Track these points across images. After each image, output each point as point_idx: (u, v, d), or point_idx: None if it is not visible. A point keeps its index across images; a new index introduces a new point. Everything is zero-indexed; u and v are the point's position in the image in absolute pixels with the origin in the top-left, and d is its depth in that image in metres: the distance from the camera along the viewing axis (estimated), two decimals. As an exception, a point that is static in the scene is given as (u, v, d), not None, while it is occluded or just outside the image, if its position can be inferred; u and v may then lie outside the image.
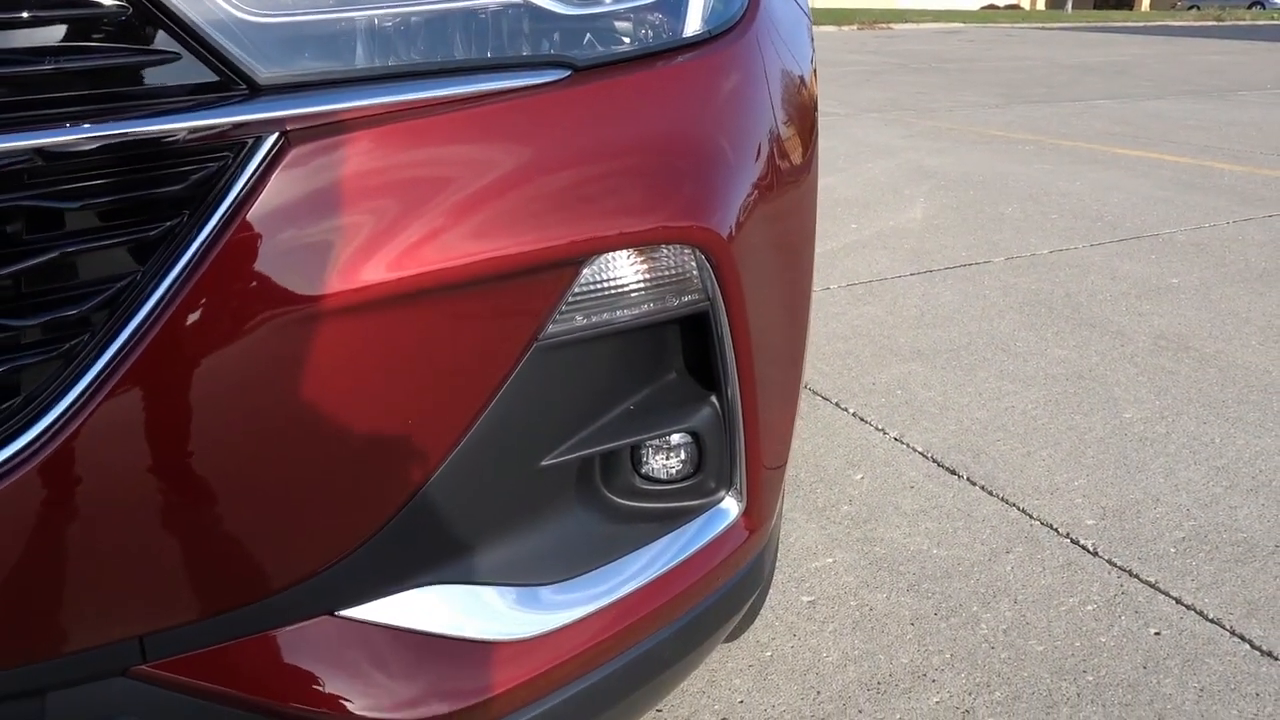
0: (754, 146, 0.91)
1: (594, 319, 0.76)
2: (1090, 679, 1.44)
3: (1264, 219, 4.11)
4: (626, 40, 0.78)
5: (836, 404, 2.37)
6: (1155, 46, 15.63)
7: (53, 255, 0.59)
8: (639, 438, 0.83)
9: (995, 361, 2.61)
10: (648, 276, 0.79)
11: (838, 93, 8.68)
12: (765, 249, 0.90)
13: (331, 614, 0.72)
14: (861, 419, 2.29)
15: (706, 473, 0.89)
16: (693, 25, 0.82)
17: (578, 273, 0.74)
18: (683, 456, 0.88)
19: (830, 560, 1.74)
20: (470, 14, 0.70)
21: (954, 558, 1.74)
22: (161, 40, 0.60)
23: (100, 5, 0.59)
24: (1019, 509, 1.89)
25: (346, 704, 0.72)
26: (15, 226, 0.59)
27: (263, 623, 0.70)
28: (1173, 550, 1.76)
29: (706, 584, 0.89)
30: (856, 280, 3.32)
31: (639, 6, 0.78)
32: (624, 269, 0.77)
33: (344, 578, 0.72)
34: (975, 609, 1.60)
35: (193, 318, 0.62)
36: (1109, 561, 1.72)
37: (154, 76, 0.61)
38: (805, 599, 1.63)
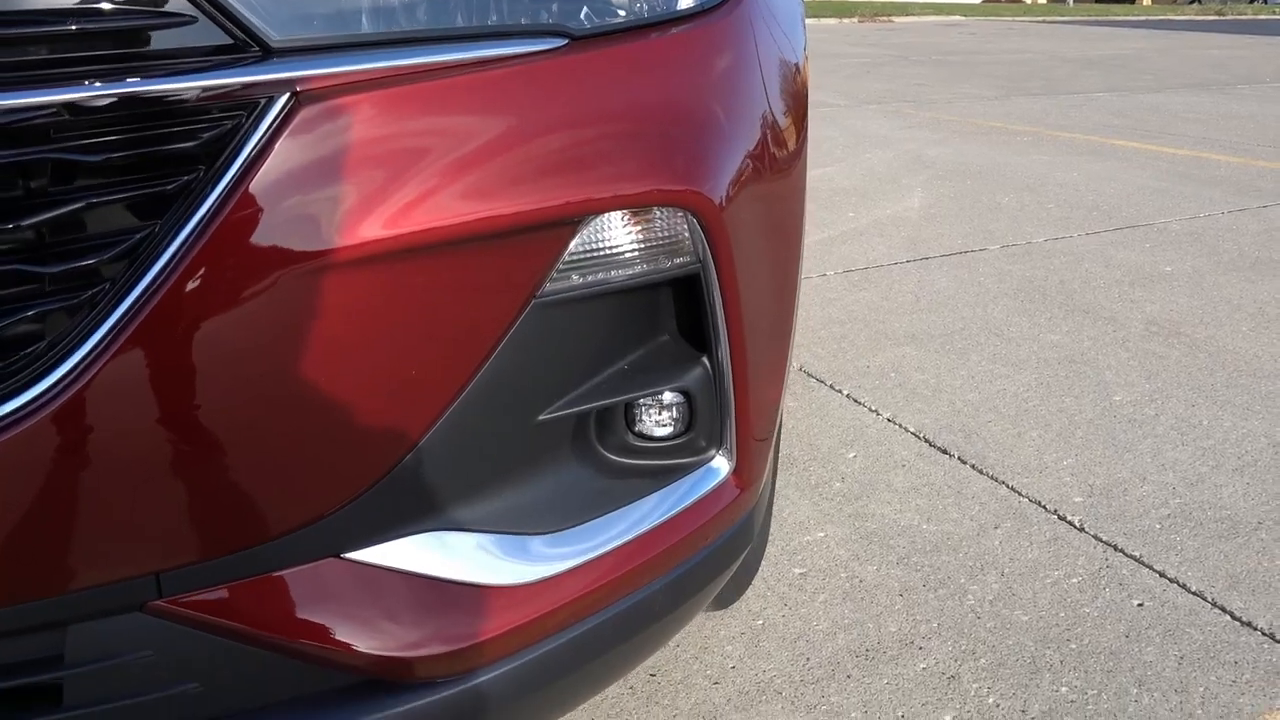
0: (745, 118, 0.94)
1: (590, 278, 0.80)
2: (1074, 647, 1.48)
3: (1258, 209, 4.14)
4: (622, 12, 0.81)
5: (831, 386, 2.40)
6: (1156, 41, 15.63)
7: (76, 206, 0.62)
8: (632, 395, 0.87)
9: (988, 346, 2.65)
10: (641, 239, 0.82)
11: (837, 84, 8.70)
12: (755, 217, 0.94)
13: (338, 556, 0.76)
14: (855, 400, 2.32)
15: (697, 431, 0.92)
16: (686, -1, 0.85)
17: (574, 233, 0.77)
18: (675, 415, 0.92)
19: (822, 534, 1.78)
20: (472, -17, 0.73)
21: (943, 533, 1.78)
22: (179, 4, 0.63)
23: (121, -30, 0.62)
24: (1008, 486, 1.93)
25: (350, 641, 0.75)
26: (41, 179, 0.62)
27: (273, 562, 0.73)
28: (1158, 526, 1.79)
29: (697, 539, 0.93)
30: (853, 267, 3.35)
31: (634, -21, 0.81)
32: (619, 231, 0.81)
33: (350, 522, 0.75)
34: (963, 581, 1.64)
35: (207, 268, 0.65)
36: (1095, 537, 1.76)
37: (172, 39, 0.64)
38: (797, 571, 1.67)
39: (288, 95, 0.66)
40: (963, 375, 2.46)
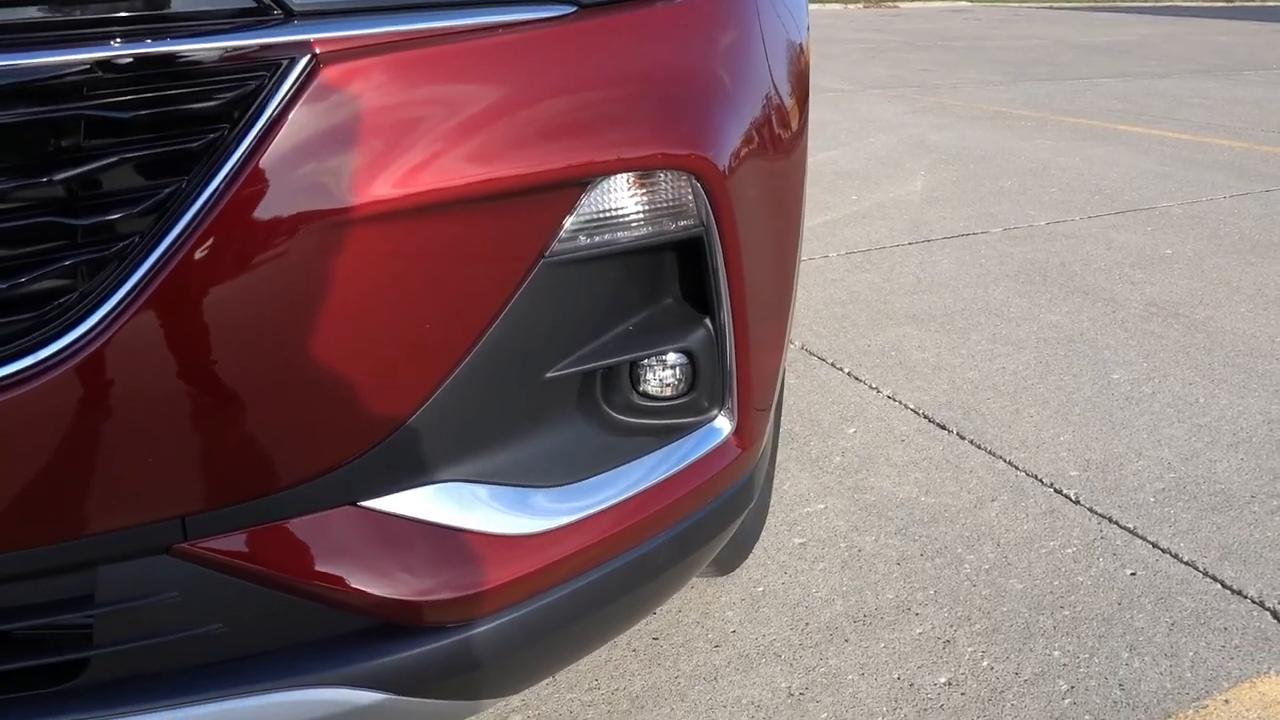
0: (748, 88, 0.97)
1: (596, 239, 0.82)
2: (1067, 614, 1.51)
3: (1260, 193, 4.15)
4: (629, -19, 0.84)
5: (832, 364, 2.43)
6: (1163, 27, 15.55)
7: (107, 162, 0.65)
8: (637, 354, 0.90)
9: (988, 326, 2.68)
10: (647, 202, 0.85)
11: (842, 69, 8.69)
12: (757, 186, 0.97)
13: (353, 504, 0.79)
14: (856, 378, 2.35)
15: (700, 392, 0.95)
16: (691, -31, 0.88)
17: (582, 195, 0.80)
18: (678, 376, 0.95)
19: (822, 506, 1.81)
20: (484, -48, 0.75)
21: (941, 505, 1.81)
22: (204, -32, 0.66)
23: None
24: (1006, 461, 1.96)
25: (363, 585, 0.79)
26: (73, 135, 0.65)
27: (291, 509, 0.77)
28: (1152, 500, 1.82)
29: (700, 495, 0.96)
30: (855, 249, 3.37)
31: (641, -51, 0.84)
32: (625, 194, 0.83)
33: (366, 471, 0.78)
34: (959, 551, 1.67)
35: (231, 223, 0.68)
36: (1090, 509, 1.79)
37: (199, 1, 0.67)
38: (797, 541, 1.71)
39: (308, 57, 0.69)
40: (963, 354, 2.49)
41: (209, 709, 0.77)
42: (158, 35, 0.65)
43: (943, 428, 2.10)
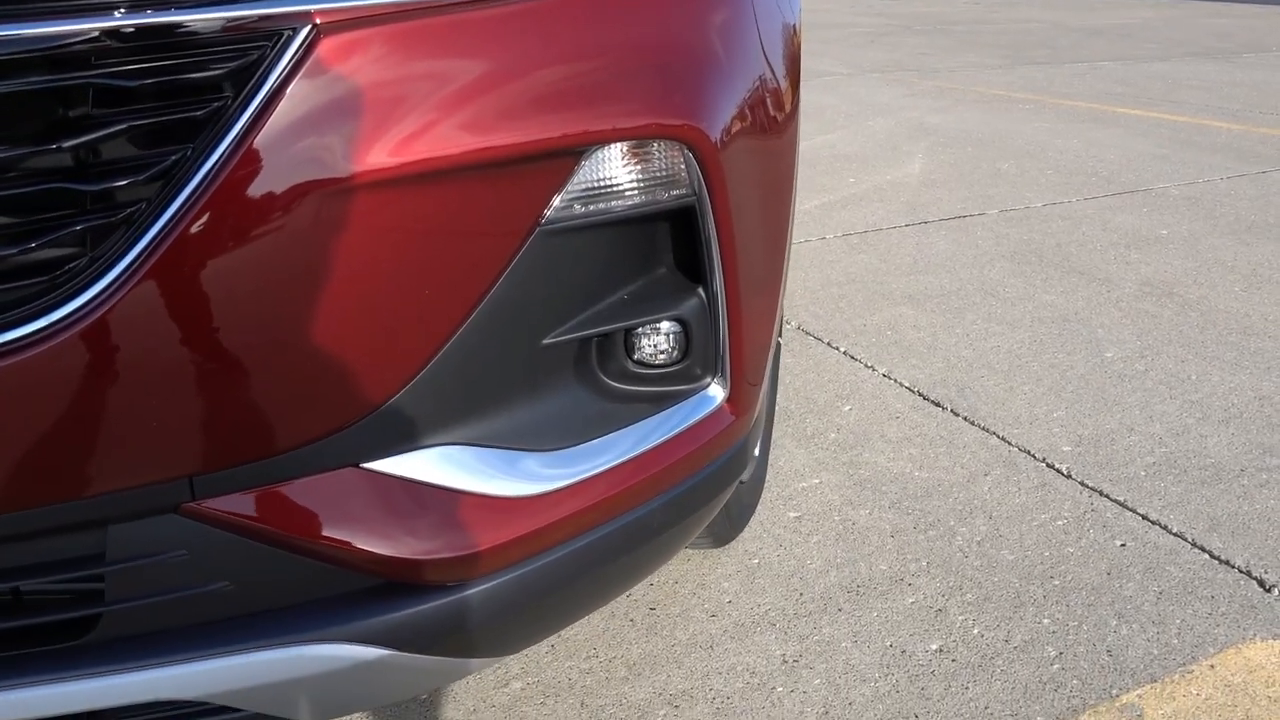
0: (740, 64, 0.99)
1: (591, 208, 0.84)
2: (1056, 583, 1.54)
3: (1257, 175, 4.16)
4: (623, -46, 0.85)
5: (828, 343, 2.45)
6: (1164, 10, 15.49)
7: (114, 129, 0.67)
8: (632, 322, 0.92)
9: (984, 306, 2.70)
10: (641, 172, 0.87)
11: (841, 53, 8.67)
12: (749, 160, 0.99)
13: (356, 466, 0.81)
14: (851, 357, 2.37)
15: (693, 359, 0.97)
16: (683, -58, 0.89)
17: (577, 164, 0.82)
18: (672, 344, 0.97)
19: (817, 481, 1.84)
20: (479, -75, 0.77)
21: (934, 480, 1.83)
22: (206, -60, 0.68)
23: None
24: (999, 437, 1.98)
25: (365, 544, 0.81)
26: (81, 103, 0.67)
27: (296, 470, 0.79)
28: (1143, 473, 1.85)
29: (694, 461, 0.98)
30: (852, 231, 3.39)
31: (634, -77, 0.85)
32: (619, 164, 0.85)
33: (367, 434, 0.81)
34: (952, 524, 1.69)
35: (236, 189, 0.70)
36: (1081, 483, 1.81)
37: (201, -28, 0.68)
38: (792, 514, 1.73)
39: (309, 27, 0.70)
40: (958, 333, 2.51)
41: (216, 664, 0.79)
42: (160, 5, 0.67)
43: (937, 405, 2.12)
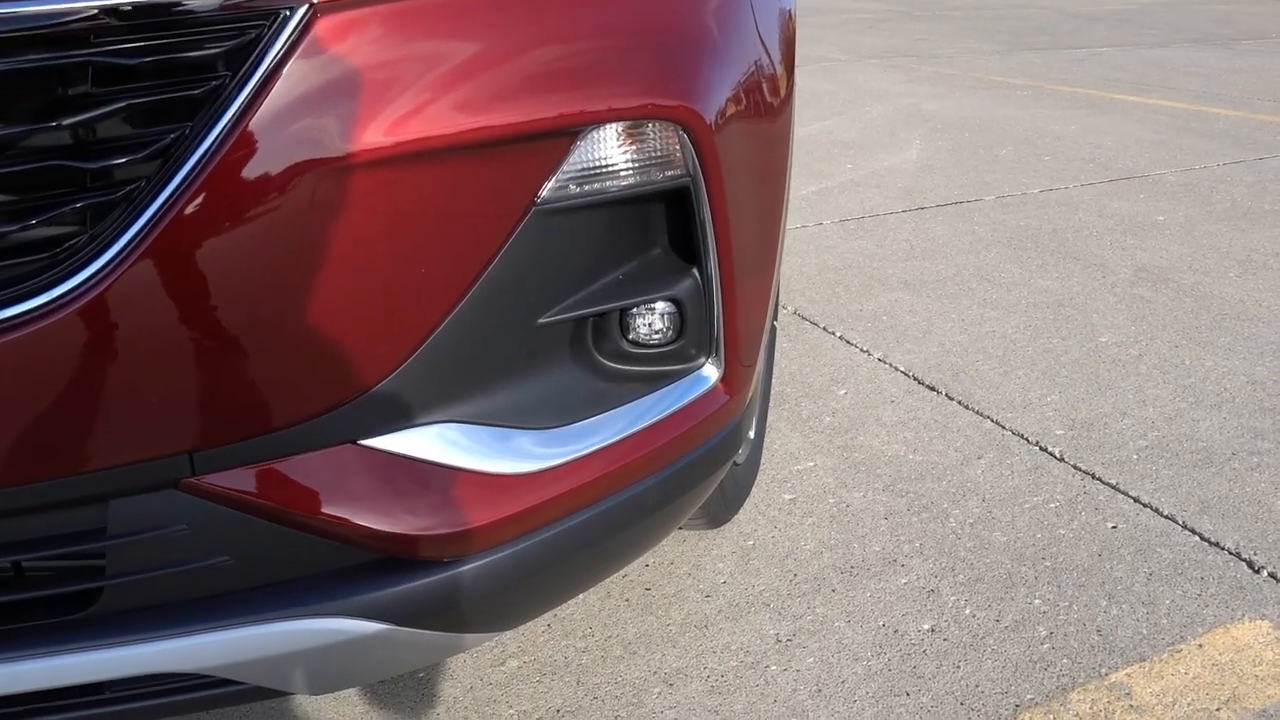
0: (736, 47, 0.99)
1: (587, 188, 0.85)
2: (1048, 564, 1.55)
3: (1254, 161, 4.16)
4: (618, -64, 0.86)
5: (824, 328, 2.46)
6: (1163, -3, 15.43)
7: (114, 107, 0.68)
8: (626, 302, 0.93)
9: (979, 291, 2.70)
10: (636, 153, 0.87)
11: (839, 39, 8.64)
12: (743, 140, 0.99)
13: (354, 443, 0.82)
14: (847, 341, 2.39)
15: (688, 339, 0.98)
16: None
17: (573, 144, 0.83)
18: (666, 324, 0.98)
19: (811, 464, 1.85)
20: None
21: (928, 463, 1.85)
22: (203, -81, 0.68)
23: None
24: (993, 421, 2.00)
25: (362, 520, 0.82)
26: (81, 81, 0.67)
27: (294, 446, 0.80)
28: (1135, 457, 1.86)
29: (688, 440, 0.99)
30: (849, 216, 3.39)
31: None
32: (615, 145, 0.86)
33: (365, 411, 0.81)
34: (945, 506, 1.71)
35: (234, 167, 0.71)
36: (1074, 466, 1.83)
37: (198, -49, 0.69)
38: (786, 497, 1.75)
39: (306, 7, 0.71)
40: (953, 319, 2.52)
41: (216, 637, 0.81)
42: (160, -16, 0.67)
43: (932, 389, 2.13)
